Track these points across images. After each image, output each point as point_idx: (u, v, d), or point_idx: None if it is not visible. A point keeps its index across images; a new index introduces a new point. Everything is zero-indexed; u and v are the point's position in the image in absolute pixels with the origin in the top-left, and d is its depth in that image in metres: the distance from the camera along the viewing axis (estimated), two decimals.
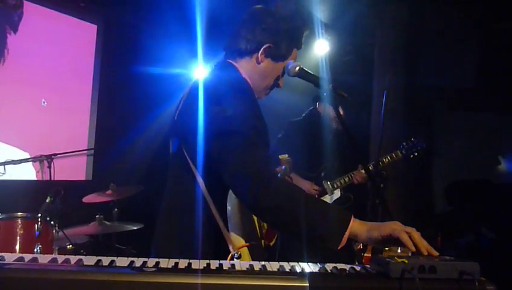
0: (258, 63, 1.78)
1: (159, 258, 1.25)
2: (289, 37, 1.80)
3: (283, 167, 2.87)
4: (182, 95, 1.77)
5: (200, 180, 1.61)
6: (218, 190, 1.64)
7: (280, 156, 2.94)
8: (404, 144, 3.71)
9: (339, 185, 3.67)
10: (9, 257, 1.20)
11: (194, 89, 1.69)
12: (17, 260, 1.18)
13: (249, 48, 1.77)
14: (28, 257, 1.22)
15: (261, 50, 1.76)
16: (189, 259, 1.25)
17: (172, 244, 1.64)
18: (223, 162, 1.52)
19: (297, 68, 1.74)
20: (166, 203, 1.73)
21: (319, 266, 1.30)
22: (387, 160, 3.65)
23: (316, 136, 3.59)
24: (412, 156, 3.69)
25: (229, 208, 1.62)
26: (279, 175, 2.73)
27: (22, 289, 1.05)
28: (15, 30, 4.25)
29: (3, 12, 4.10)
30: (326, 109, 3.67)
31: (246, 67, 1.79)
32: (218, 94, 1.61)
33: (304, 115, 3.87)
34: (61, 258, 1.23)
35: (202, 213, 1.60)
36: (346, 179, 3.66)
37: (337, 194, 3.73)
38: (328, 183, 3.67)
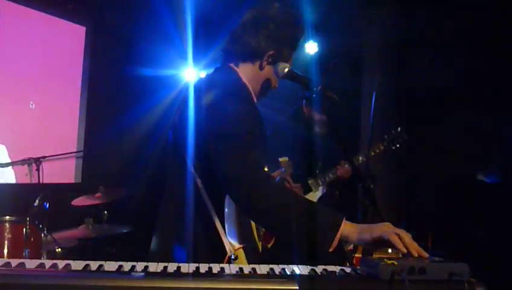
0: (261, 69, 1.80)
1: (155, 260, 1.25)
2: (290, 43, 1.83)
3: (283, 169, 2.88)
4: (181, 98, 1.79)
5: (199, 183, 1.64)
6: (217, 193, 1.65)
7: (280, 159, 2.96)
8: (386, 136, 3.76)
9: (323, 181, 3.69)
10: None
11: (194, 93, 1.71)
12: (3, 265, 1.17)
13: (251, 54, 1.78)
14: (15, 262, 1.21)
15: (265, 57, 1.78)
16: (186, 261, 1.26)
17: (170, 246, 1.65)
18: (219, 165, 1.55)
19: (286, 70, 1.74)
20: (164, 205, 1.75)
21: (309, 268, 1.31)
22: (372, 154, 3.68)
23: (301, 137, 3.62)
24: (394, 147, 3.73)
25: (226, 210, 1.64)
26: (278, 178, 2.74)
27: None
28: None
29: None
30: (312, 113, 3.69)
31: (248, 73, 1.80)
32: (218, 99, 1.63)
33: (289, 114, 3.85)
34: (48, 263, 1.22)
35: (201, 215, 1.62)
36: (331, 175, 3.68)
37: (322, 191, 3.74)
38: (313, 180, 3.68)
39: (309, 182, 3.66)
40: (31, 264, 1.21)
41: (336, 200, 3.76)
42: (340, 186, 3.76)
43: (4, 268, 1.15)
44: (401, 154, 3.75)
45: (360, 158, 3.60)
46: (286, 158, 3.04)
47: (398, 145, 3.73)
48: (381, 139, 3.76)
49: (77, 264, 1.21)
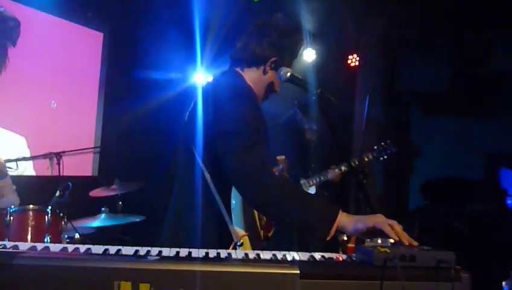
0: (265, 74, 1.82)
1: (167, 246, 1.25)
2: (292, 50, 1.85)
3: (280, 166, 2.90)
4: (191, 99, 1.79)
5: (207, 177, 1.64)
6: (224, 186, 1.66)
7: (278, 157, 2.98)
8: (375, 147, 3.75)
9: (314, 182, 3.69)
10: (23, 246, 1.18)
11: (203, 94, 1.72)
12: (30, 248, 1.17)
13: (256, 60, 1.81)
14: (40, 246, 1.21)
15: (268, 63, 1.80)
16: (196, 247, 1.26)
17: (182, 234, 1.67)
18: (226, 160, 1.56)
19: (288, 74, 1.75)
20: (176, 197, 1.76)
21: (308, 255, 1.31)
22: (356, 163, 3.66)
23: (294, 141, 3.62)
24: (381, 158, 3.73)
25: (233, 201, 1.65)
26: (276, 174, 2.76)
27: (36, 276, 1.04)
28: (14, 44, 4.33)
29: (5, 31, 4.25)
30: (302, 122, 3.69)
31: (252, 77, 1.82)
32: (225, 99, 1.65)
33: (284, 119, 3.84)
34: (71, 247, 1.22)
35: (209, 206, 1.63)
36: (322, 177, 3.68)
37: (312, 190, 3.74)
38: (304, 180, 3.69)
39: (301, 182, 3.66)
40: (55, 248, 1.21)
41: (326, 200, 3.76)
42: (331, 188, 3.76)
43: (31, 251, 1.15)
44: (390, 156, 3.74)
45: (356, 162, 3.61)
46: (283, 157, 3.06)
47: (385, 157, 3.73)
48: (371, 149, 3.76)
49: (97, 249, 1.21)
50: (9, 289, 1.02)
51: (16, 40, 4.37)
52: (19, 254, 1.07)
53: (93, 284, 1.05)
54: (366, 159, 3.69)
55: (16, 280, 1.02)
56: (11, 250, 1.13)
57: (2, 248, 1.16)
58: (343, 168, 3.59)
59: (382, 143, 3.75)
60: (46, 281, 1.04)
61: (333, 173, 3.63)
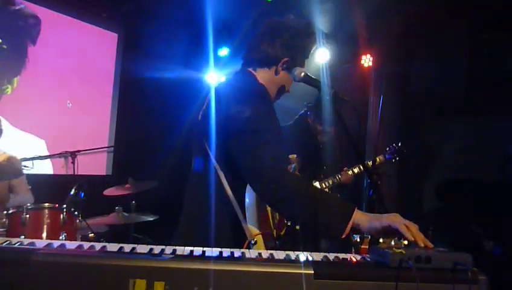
0: (276, 74, 1.82)
1: (181, 245, 1.26)
2: (303, 51, 1.85)
3: (293, 165, 2.90)
4: (205, 99, 1.80)
5: (221, 175, 1.65)
6: (238, 184, 1.67)
7: (290, 156, 2.97)
8: (387, 149, 3.75)
9: (326, 185, 3.67)
10: (39, 243, 1.20)
11: (216, 93, 1.73)
12: (46, 245, 1.18)
13: (268, 60, 1.81)
14: (56, 243, 1.22)
15: (280, 63, 1.80)
16: (210, 246, 1.26)
17: (195, 233, 1.68)
18: (241, 158, 1.57)
19: (302, 74, 1.75)
20: (190, 196, 1.77)
21: (322, 255, 1.30)
22: (369, 165, 3.65)
23: (305, 143, 3.60)
24: (393, 160, 3.72)
25: (247, 200, 1.65)
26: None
27: (52, 272, 1.05)
28: (34, 43, 4.34)
29: (25, 29, 4.28)
30: (315, 124, 3.66)
31: (264, 77, 1.82)
32: (238, 98, 1.66)
33: (295, 118, 3.82)
34: (86, 245, 1.23)
35: (223, 205, 1.64)
36: (335, 180, 3.66)
37: None
38: (318, 183, 3.67)
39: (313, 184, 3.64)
40: (70, 245, 1.23)
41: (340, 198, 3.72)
42: (343, 190, 3.73)
43: (47, 248, 1.16)
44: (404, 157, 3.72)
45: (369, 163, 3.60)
46: (294, 155, 3.06)
47: (397, 158, 3.72)
48: (383, 151, 3.75)
49: (112, 247, 1.22)
50: (27, 285, 1.04)
51: (36, 39, 4.38)
52: (37, 251, 1.08)
53: (109, 281, 1.05)
54: (378, 161, 3.67)
55: (33, 276, 1.04)
56: (28, 247, 1.14)
57: (19, 245, 1.18)
58: (356, 170, 3.57)
59: (393, 144, 3.74)
60: (63, 277, 1.05)
61: (346, 175, 3.61)
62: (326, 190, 3.65)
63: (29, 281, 1.04)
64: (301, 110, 3.78)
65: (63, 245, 1.21)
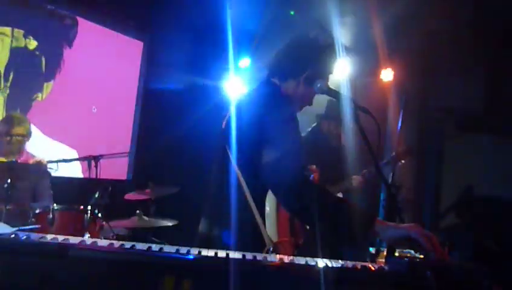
0: (299, 86, 1.86)
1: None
2: (327, 66, 1.89)
3: (312, 175, 2.94)
4: (228, 107, 1.85)
5: (243, 182, 1.68)
6: (258, 192, 1.70)
7: (309, 167, 3.01)
8: (393, 152, 3.76)
9: (338, 189, 3.68)
10: (73, 239, 1.26)
11: (241, 102, 1.79)
12: (81, 241, 1.25)
13: (292, 73, 1.85)
14: (89, 240, 1.29)
15: (304, 76, 1.84)
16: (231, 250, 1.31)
17: (215, 239, 1.71)
18: (264, 167, 1.60)
19: (325, 86, 1.80)
20: (210, 202, 1.81)
21: (341, 262, 1.33)
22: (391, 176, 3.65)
23: (317, 154, 3.63)
24: (400, 163, 3.73)
25: (267, 208, 1.68)
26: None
27: (87, 267, 1.13)
28: (70, 45, 4.38)
29: (61, 30, 4.28)
30: (330, 126, 3.68)
31: (288, 88, 1.86)
32: (263, 108, 1.70)
33: (307, 131, 3.85)
34: (117, 243, 1.29)
35: (243, 212, 1.66)
36: (347, 184, 3.67)
37: None
38: (332, 187, 3.68)
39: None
40: (102, 242, 1.29)
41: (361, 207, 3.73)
42: (355, 195, 3.74)
43: (82, 244, 1.23)
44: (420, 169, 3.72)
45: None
46: (314, 166, 3.09)
47: (403, 161, 3.72)
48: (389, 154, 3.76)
49: (141, 245, 1.28)
50: (63, 278, 1.10)
51: (73, 41, 4.28)
52: (74, 246, 1.15)
53: (140, 277, 1.11)
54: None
55: (70, 269, 1.10)
56: (66, 242, 1.21)
57: (54, 240, 1.24)
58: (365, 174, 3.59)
59: (399, 147, 3.76)
60: (96, 272, 1.12)
61: (356, 180, 3.63)
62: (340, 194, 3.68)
63: (66, 275, 1.10)
64: (308, 124, 3.83)
65: (94, 242, 1.27)
